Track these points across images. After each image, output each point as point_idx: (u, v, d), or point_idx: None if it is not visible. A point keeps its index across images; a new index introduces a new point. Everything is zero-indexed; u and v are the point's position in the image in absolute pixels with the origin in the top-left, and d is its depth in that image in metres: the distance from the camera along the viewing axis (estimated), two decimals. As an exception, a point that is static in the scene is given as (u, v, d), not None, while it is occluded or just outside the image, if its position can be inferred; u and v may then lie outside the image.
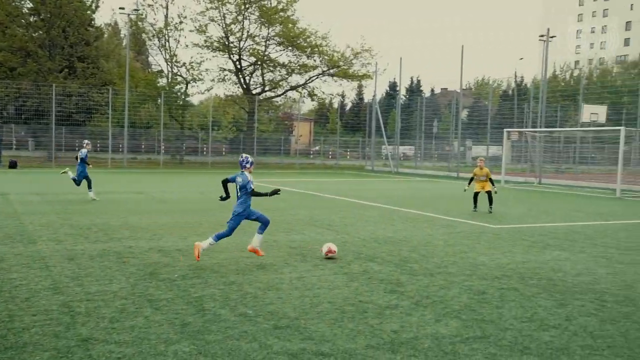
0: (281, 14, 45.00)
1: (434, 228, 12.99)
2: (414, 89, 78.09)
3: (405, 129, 50.34)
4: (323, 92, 48.64)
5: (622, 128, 24.72)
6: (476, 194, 16.80)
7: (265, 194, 8.68)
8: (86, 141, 18.42)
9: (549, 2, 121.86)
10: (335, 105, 64.02)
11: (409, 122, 51.51)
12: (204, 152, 47.61)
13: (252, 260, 8.93)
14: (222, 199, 9.01)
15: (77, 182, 17.80)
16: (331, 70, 47.22)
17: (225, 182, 8.76)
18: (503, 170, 29.23)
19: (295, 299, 6.76)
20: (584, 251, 10.46)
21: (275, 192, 8.82)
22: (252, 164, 8.70)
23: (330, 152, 56.00)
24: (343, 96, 56.26)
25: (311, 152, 59.23)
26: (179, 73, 46.06)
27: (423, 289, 7.37)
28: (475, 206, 16.70)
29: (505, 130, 30.96)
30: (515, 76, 78.92)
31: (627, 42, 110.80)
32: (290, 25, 45.05)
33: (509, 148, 39.46)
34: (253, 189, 8.60)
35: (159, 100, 43.73)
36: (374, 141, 45.53)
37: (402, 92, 76.24)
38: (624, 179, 24.60)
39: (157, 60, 48.50)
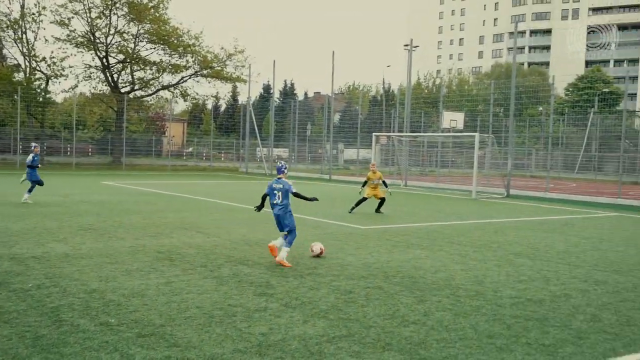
0: (152, 10, 43.53)
1: (304, 229, 13.17)
2: (288, 92, 78.93)
3: (279, 131, 50.81)
4: (197, 93, 47.67)
5: (476, 134, 26.70)
6: (364, 199, 17.18)
7: (306, 198, 9.56)
8: (34, 144, 18.15)
9: (412, 13, 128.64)
10: (209, 107, 63.07)
11: (283, 124, 52.07)
12: (68, 153, 44.83)
13: (116, 267, 8.52)
14: (258, 208, 9.76)
15: (38, 183, 17.70)
16: (204, 71, 46.44)
17: (264, 197, 9.62)
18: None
19: (162, 305, 6.54)
20: (443, 249, 11.11)
21: (314, 199, 9.87)
22: (287, 169, 9.65)
23: (204, 154, 55.07)
24: (217, 97, 55.54)
25: (184, 154, 57.89)
26: (38, 68, 42.99)
27: (292, 290, 7.44)
28: (354, 209, 17.03)
29: (374, 134, 32.19)
30: (383, 82, 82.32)
31: (480, 54, 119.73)
32: (161, 23, 43.70)
33: (378, 151, 41.09)
34: (295, 192, 9.42)
35: (15, 97, 40.53)
36: (249, 143, 45.39)
37: (276, 94, 76.80)
38: (478, 182, 26.54)
39: (12, 53, 44.66)
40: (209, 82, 47.31)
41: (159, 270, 8.35)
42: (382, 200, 17.04)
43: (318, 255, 9.79)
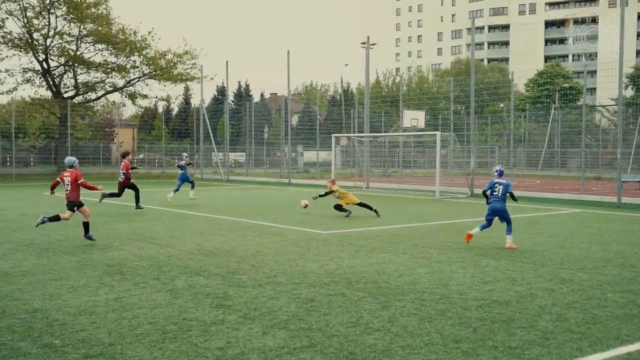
0: (93, 10, 42.64)
1: (263, 237, 13.09)
2: (243, 94, 78.52)
3: (235, 135, 50.41)
4: (146, 96, 46.89)
5: (438, 133, 27.06)
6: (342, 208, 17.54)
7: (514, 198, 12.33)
8: (185, 154, 22.98)
9: (367, 10, 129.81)
10: (160, 110, 62.18)
11: (239, 127, 51.66)
12: (7, 163, 43.53)
13: (61, 283, 8.28)
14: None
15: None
16: (153, 73, 45.79)
17: (484, 193, 12.32)
18: (333, 175, 30.41)
19: (111, 322, 6.37)
20: (406, 252, 11.18)
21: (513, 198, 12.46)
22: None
23: (156, 160, 54.26)
24: (168, 101, 54.64)
25: (135, 161, 56.95)
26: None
27: (251, 301, 7.36)
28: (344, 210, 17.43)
29: (333, 135, 32.27)
30: (342, 82, 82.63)
31: (439, 51, 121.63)
32: (105, 23, 42.87)
33: (338, 153, 41.21)
34: (511, 192, 12.05)
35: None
36: (203, 148, 44.92)
37: (231, 97, 76.28)
38: (442, 181, 26.89)
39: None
40: (159, 83, 46.65)
41: (108, 285, 8.15)
42: (364, 206, 17.37)
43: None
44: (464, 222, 16.04)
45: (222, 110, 54.34)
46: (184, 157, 22.40)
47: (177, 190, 22.09)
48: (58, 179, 12.09)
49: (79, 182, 11.93)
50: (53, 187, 12.39)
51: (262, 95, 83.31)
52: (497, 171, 12.13)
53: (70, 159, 12.23)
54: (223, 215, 17.36)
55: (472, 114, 27.72)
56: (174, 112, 73.38)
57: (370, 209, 17.30)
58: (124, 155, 19.10)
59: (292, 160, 43.94)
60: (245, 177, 42.18)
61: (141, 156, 57.63)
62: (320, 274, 9.08)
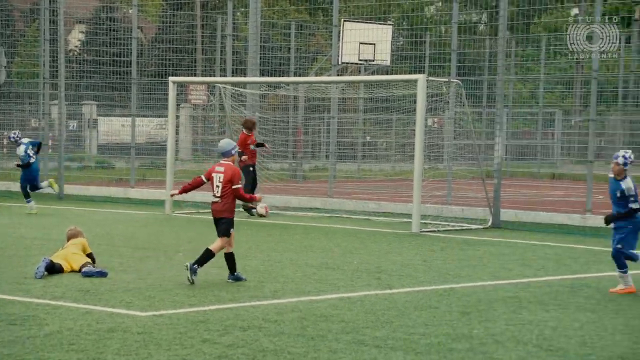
0: None
1: None
2: None
3: None
4: None
5: (420, 77, 15.53)
6: None
7: None
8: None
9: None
10: None
11: None
12: None
13: None
14: None
15: None
16: None
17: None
18: (170, 180, 20.91)
19: None
20: None
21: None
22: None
23: None
24: None
25: None
26: None
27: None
28: None
29: (172, 79, 20.20)
30: None
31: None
32: None
33: (185, 123, 29.18)
34: None
35: None
36: None
37: None
38: (428, 193, 18.27)
39: None
40: None
41: None
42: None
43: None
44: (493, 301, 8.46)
45: None
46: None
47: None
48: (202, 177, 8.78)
49: (234, 186, 8.55)
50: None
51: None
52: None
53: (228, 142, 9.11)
54: None
55: (504, 30, 16.19)
56: None
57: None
58: None
59: (72, 137, 25.16)
60: None
61: None
62: None
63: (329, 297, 8.21)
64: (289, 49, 24.24)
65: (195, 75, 23.50)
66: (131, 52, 20.64)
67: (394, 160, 23.57)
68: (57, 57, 20.99)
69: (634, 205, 8.22)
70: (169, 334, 6.40)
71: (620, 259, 8.31)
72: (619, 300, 8.11)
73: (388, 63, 19.90)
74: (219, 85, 18.50)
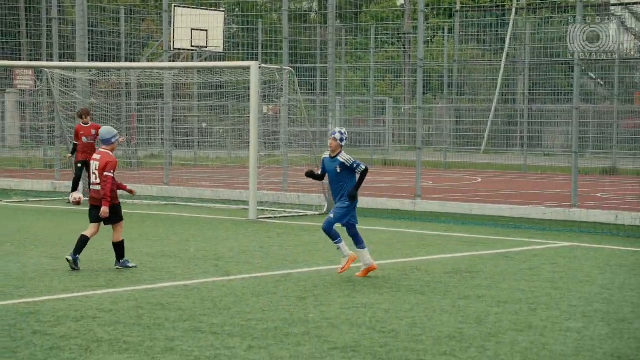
0: None
1: None
2: None
3: None
4: None
5: (252, 64, 15.33)
6: None
7: None
8: None
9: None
10: None
11: None
12: None
13: None
14: None
15: None
16: None
17: None
18: None
19: None
20: None
21: None
22: None
23: None
24: None
25: None
26: None
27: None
28: None
29: None
30: None
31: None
32: None
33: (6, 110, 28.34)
34: None
35: None
36: None
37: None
38: (265, 180, 17.45)
39: None
40: None
41: None
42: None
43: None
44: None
45: None
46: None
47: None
48: None
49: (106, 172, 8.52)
50: None
51: None
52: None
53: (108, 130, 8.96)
54: None
55: (332, 18, 16.75)
56: None
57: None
58: None
59: None
60: None
61: None
62: None
63: (165, 285, 8.11)
64: (119, 33, 23.59)
65: (20, 59, 22.37)
66: None
67: (230, 147, 23.72)
68: None
69: (363, 166, 8.41)
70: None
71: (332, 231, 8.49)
72: (446, 282, 8.49)
73: (221, 50, 20.04)
74: (46, 70, 17.74)
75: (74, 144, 15.00)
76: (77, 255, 8.43)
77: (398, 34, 32.93)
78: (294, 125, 19.06)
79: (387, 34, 32.04)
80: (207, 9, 21.06)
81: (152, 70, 18.70)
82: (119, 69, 19.38)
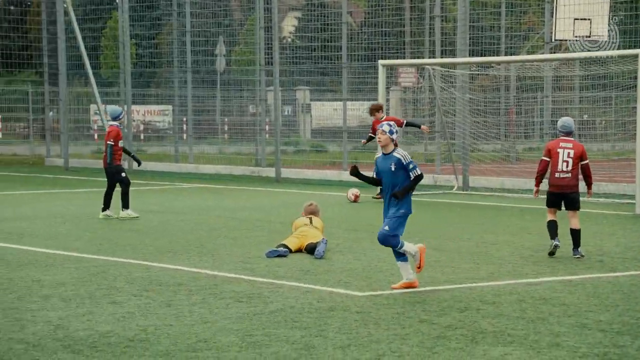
0: None
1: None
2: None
3: (145, 64, 28.05)
4: None
5: None
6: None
7: None
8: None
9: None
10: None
11: (156, 46, 27.60)
12: None
13: None
14: None
15: None
16: None
17: None
18: None
19: None
20: None
21: None
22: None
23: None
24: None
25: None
26: None
27: None
28: None
29: (381, 63, 18.90)
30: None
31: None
32: None
33: (397, 105, 28.11)
34: None
35: None
36: (66, 95, 26.29)
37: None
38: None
39: None
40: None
41: None
42: None
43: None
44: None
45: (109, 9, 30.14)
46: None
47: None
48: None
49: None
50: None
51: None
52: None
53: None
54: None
55: None
56: None
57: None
58: None
59: (287, 122, 26.61)
60: (172, 166, 24.35)
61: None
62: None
63: (547, 279, 8.02)
64: (500, 27, 23.33)
65: (403, 58, 23.19)
66: (341, 37, 21.46)
67: (613, 140, 22.69)
68: (272, 44, 21.75)
69: (418, 171, 7.38)
70: (387, 314, 6.53)
71: None
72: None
73: (605, 39, 18.60)
74: (428, 67, 18.42)
75: (370, 136, 15.50)
76: (579, 249, 9.03)
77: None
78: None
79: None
80: None
81: (532, 63, 18.37)
82: (498, 63, 19.40)
